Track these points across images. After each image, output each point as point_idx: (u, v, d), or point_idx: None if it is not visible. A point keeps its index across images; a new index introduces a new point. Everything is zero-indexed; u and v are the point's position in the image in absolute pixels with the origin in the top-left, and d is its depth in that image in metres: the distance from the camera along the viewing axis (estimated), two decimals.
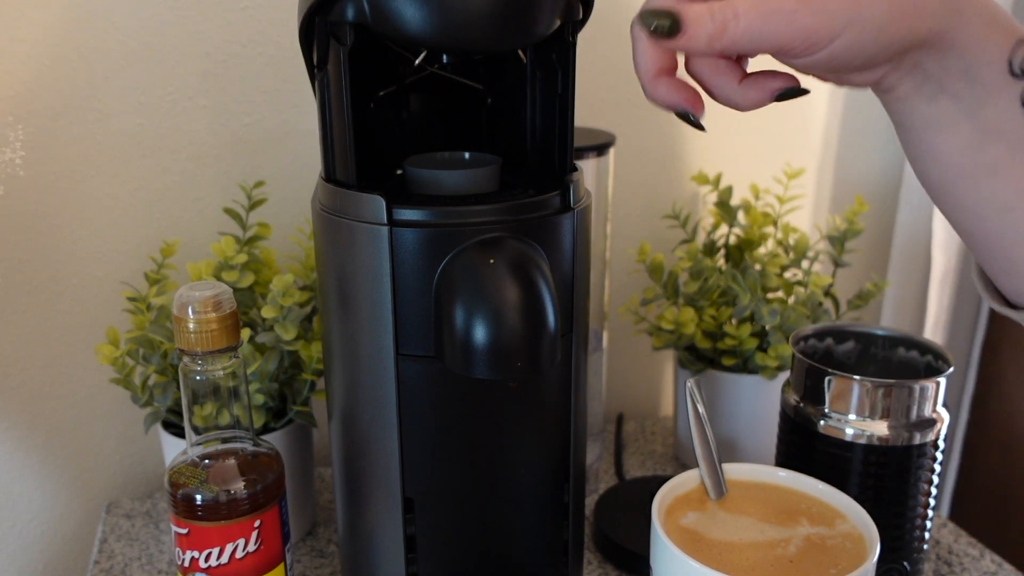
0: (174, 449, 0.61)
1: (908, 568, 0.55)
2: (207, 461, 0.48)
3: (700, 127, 0.38)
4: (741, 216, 0.76)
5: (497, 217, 0.44)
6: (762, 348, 0.70)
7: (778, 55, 0.35)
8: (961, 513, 1.00)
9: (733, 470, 0.52)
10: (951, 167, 0.39)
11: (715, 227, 0.75)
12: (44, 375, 0.70)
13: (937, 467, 0.55)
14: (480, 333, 0.42)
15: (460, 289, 0.43)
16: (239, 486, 0.47)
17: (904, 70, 0.37)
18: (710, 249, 0.75)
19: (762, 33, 0.33)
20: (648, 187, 0.83)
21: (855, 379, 0.53)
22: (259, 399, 0.61)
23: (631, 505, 0.66)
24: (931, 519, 0.56)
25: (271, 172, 0.71)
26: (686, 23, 0.33)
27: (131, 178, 0.69)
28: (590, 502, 0.69)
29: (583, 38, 0.77)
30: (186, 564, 0.48)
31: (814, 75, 0.38)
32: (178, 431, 0.61)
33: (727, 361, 0.70)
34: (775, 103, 0.38)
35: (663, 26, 0.34)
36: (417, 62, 0.48)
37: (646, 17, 0.34)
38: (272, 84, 0.70)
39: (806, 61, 0.35)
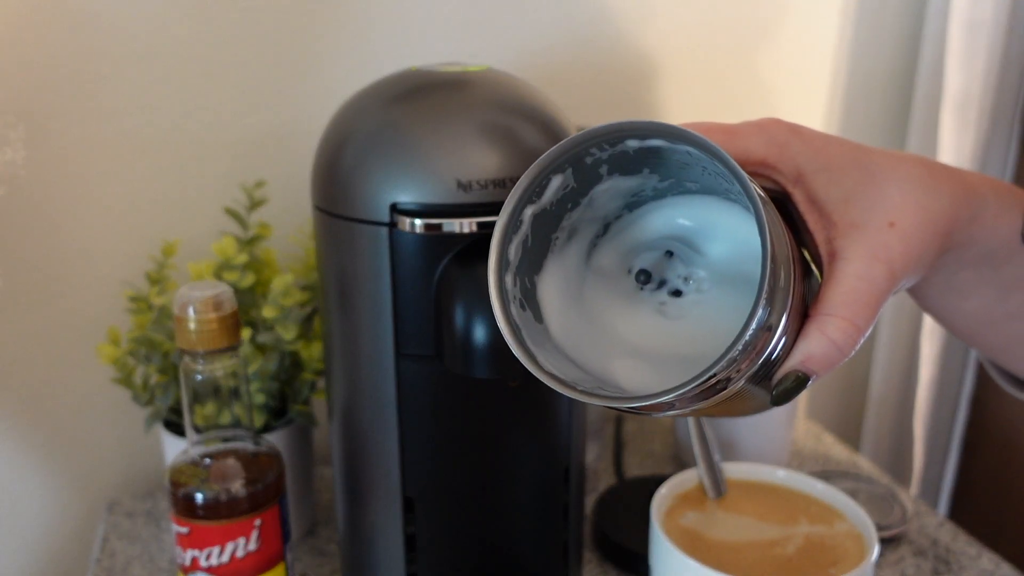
0: (175, 448, 0.61)
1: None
2: (208, 460, 0.48)
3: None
4: None
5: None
6: None
7: None
8: (959, 512, 1.00)
9: (732, 470, 0.52)
10: (976, 320, 0.41)
11: None
12: (45, 375, 0.71)
13: None
14: (480, 333, 0.42)
15: (460, 289, 0.43)
16: (239, 485, 0.47)
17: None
18: None
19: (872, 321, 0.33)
20: None
21: None
22: (260, 399, 0.61)
23: (631, 505, 0.66)
24: None
25: (271, 172, 0.71)
26: (812, 369, 0.32)
27: (132, 178, 0.69)
28: (590, 502, 0.69)
29: (583, 39, 0.78)
30: (187, 563, 0.48)
31: None
32: (179, 430, 0.61)
33: None
34: None
35: (792, 389, 0.32)
36: None
37: (778, 398, 0.32)
38: (272, 84, 0.70)
39: None
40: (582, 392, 0.31)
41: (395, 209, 0.43)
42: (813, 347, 0.31)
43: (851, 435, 1.01)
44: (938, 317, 0.43)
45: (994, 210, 0.37)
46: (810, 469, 0.76)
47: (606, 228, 0.36)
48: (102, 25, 0.65)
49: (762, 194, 0.30)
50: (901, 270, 0.33)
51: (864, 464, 0.78)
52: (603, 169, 0.33)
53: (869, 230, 0.33)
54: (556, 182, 0.33)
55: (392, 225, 0.43)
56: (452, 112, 0.44)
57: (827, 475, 0.72)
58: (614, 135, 0.31)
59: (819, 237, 0.34)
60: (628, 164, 0.33)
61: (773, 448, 0.74)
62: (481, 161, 0.43)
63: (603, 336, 0.35)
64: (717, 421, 0.72)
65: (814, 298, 0.33)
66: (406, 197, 0.43)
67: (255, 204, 0.64)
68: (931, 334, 0.92)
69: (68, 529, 0.74)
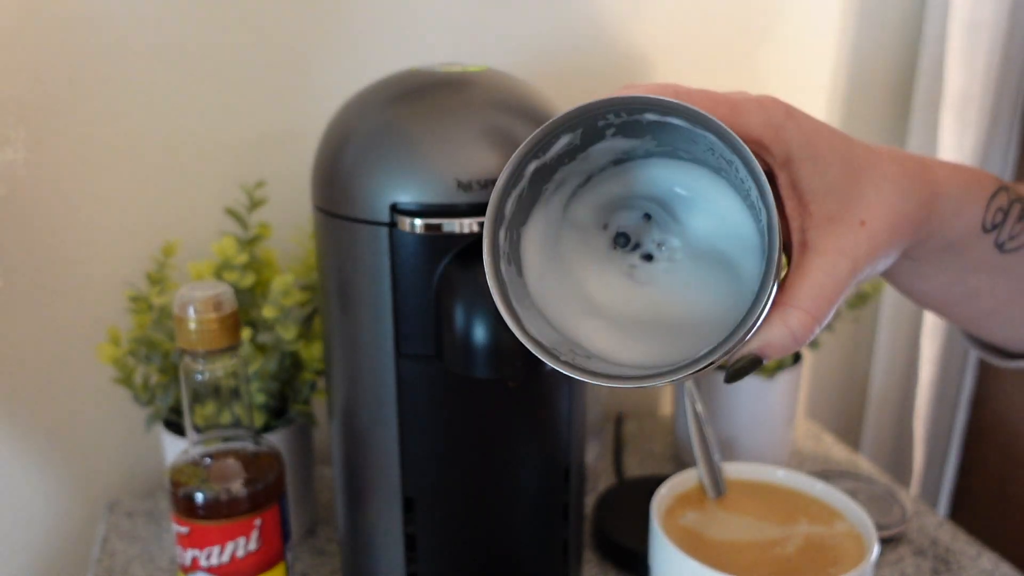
0: (175, 448, 0.61)
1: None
2: (208, 460, 0.48)
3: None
4: None
5: None
6: None
7: None
8: (959, 512, 1.00)
9: (732, 470, 0.52)
10: (939, 298, 0.44)
11: None
12: (45, 375, 0.71)
13: None
14: (480, 333, 0.42)
15: (460, 289, 0.43)
16: (240, 485, 0.47)
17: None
18: None
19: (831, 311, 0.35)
20: None
21: None
22: (260, 398, 0.61)
23: (631, 505, 0.66)
24: None
25: (271, 172, 0.71)
26: (767, 355, 0.33)
27: (132, 178, 0.69)
28: (590, 502, 0.69)
29: (583, 39, 0.78)
30: (187, 563, 0.48)
31: None
32: (179, 430, 0.61)
33: (726, 361, 0.70)
34: None
35: (745, 369, 0.34)
36: None
37: (732, 376, 0.34)
38: (272, 84, 0.70)
39: None
40: (563, 363, 0.32)
41: (395, 209, 0.43)
42: (774, 336, 0.33)
43: (851, 435, 1.01)
44: (905, 294, 0.45)
45: (955, 205, 0.39)
46: (810, 469, 0.76)
47: (587, 179, 0.36)
48: (102, 25, 0.65)
49: (772, 198, 0.30)
50: (863, 266, 0.35)
51: (864, 464, 0.78)
52: (610, 131, 0.33)
53: (842, 226, 0.35)
54: (563, 140, 0.33)
55: (392, 225, 0.43)
56: (452, 112, 0.44)
57: (827, 475, 0.72)
58: (636, 107, 0.31)
59: (794, 224, 0.35)
60: (636, 131, 0.33)
61: (773, 448, 0.74)
62: (481, 161, 0.43)
63: (573, 293, 0.36)
64: (717, 421, 0.72)
65: (780, 284, 0.34)
66: (406, 197, 0.43)
67: (255, 204, 0.64)
68: (931, 334, 0.91)
69: (68, 529, 0.74)
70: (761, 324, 0.32)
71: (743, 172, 0.31)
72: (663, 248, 0.36)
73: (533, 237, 0.35)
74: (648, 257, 0.36)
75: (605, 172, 0.36)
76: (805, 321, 0.33)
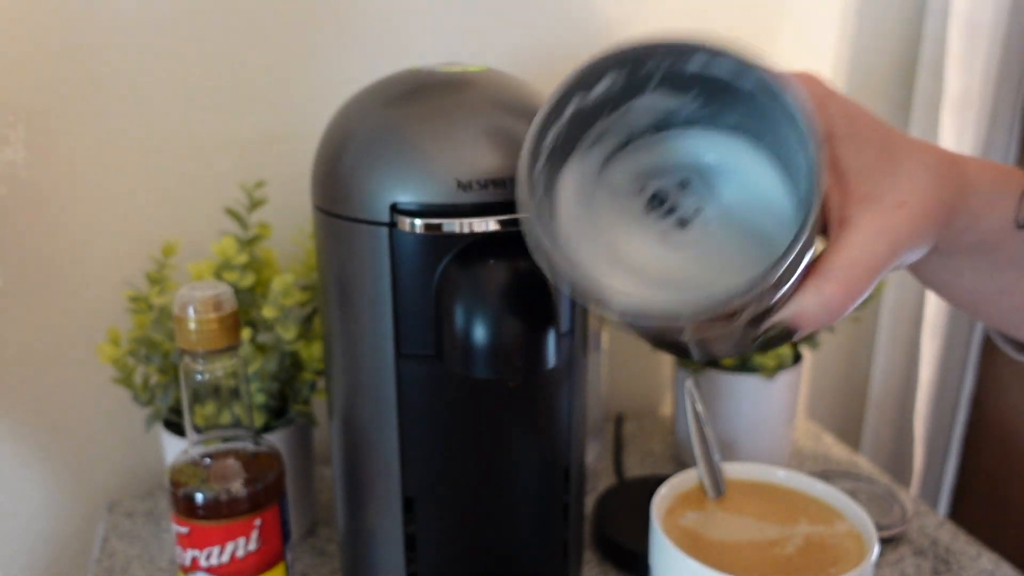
0: (175, 448, 0.61)
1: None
2: (208, 460, 0.48)
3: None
4: None
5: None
6: None
7: None
8: (959, 512, 1.00)
9: (732, 470, 0.52)
10: (971, 295, 0.43)
11: None
12: (45, 375, 0.71)
13: None
14: (480, 332, 0.42)
15: (460, 289, 0.43)
16: (239, 485, 0.47)
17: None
18: None
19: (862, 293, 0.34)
20: None
21: None
22: (260, 398, 0.61)
23: (631, 505, 0.66)
24: None
25: (271, 172, 0.71)
26: (800, 324, 0.33)
27: (131, 178, 0.69)
28: (590, 501, 0.69)
29: (583, 39, 0.78)
30: (187, 563, 0.48)
31: None
32: (179, 430, 0.61)
33: (726, 361, 0.70)
34: None
35: (776, 338, 0.34)
36: None
37: (762, 344, 0.34)
38: (273, 84, 0.70)
39: None
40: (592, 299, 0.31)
41: (395, 209, 0.43)
42: (807, 304, 0.33)
43: (851, 435, 1.01)
44: (937, 292, 0.45)
45: (987, 200, 0.38)
46: (810, 469, 0.76)
47: (626, 142, 0.36)
48: (102, 25, 0.65)
49: (818, 129, 0.30)
50: (902, 248, 0.34)
51: (864, 464, 0.78)
52: (653, 82, 0.33)
53: (881, 205, 0.34)
54: (607, 80, 0.32)
55: (392, 225, 0.43)
56: (452, 112, 0.44)
57: (827, 475, 0.72)
58: (686, 48, 0.31)
59: (832, 201, 0.35)
60: (679, 84, 0.33)
61: (773, 448, 0.74)
62: (481, 161, 0.43)
63: (604, 248, 0.35)
64: (717, 421, 0.72)
65: (816, 258, 0.34)
66: (406, 197, 0.43)
67: (255, 204, 0.64)
68: (931, 334, 0.91)
69: (68, 529, 0.74)
70: (794, 287, 0.32)
71: (784, 115, 0.30)
72: (698, 214, 0.36)
73: (568, 187, 0.35)
74: (682, 223, 0.36)
75: (644, 138, 0.35)
76: (838, 292, 0.33)
